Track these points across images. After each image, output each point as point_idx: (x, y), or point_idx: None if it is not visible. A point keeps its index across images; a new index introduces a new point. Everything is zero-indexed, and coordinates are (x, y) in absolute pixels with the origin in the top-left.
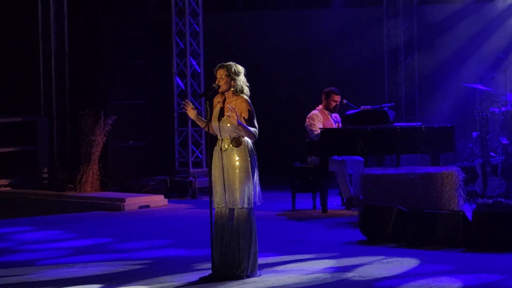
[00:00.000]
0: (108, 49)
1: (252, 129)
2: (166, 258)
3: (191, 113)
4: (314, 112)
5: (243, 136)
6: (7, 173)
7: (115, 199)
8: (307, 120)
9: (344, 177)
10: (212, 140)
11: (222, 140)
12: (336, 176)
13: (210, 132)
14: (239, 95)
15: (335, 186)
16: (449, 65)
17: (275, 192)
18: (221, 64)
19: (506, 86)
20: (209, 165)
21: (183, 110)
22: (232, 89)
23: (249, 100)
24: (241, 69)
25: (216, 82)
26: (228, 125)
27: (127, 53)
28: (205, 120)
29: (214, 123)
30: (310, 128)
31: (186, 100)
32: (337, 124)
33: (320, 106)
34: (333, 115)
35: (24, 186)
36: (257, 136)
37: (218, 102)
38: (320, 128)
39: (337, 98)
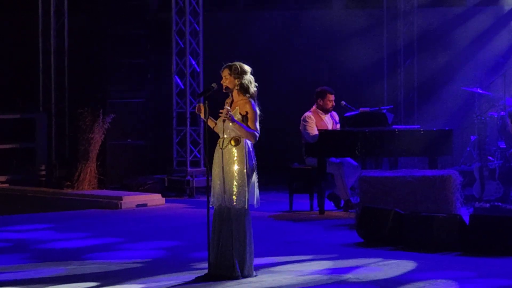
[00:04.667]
0: (108, 47)
1: (249, 129)
2: (163, 257)
3: (205, 115)
4: (306, 114)
5: (242, 137)
6: (5, 169)
7: (113, 197)
8: (301, 123)
9: (342, 179)
10: (211, 139)
11: (223, 138)
12: (334, 178)
13: (216, 131)
14: (244, 96)
15: (333, 188)
16: (448, 69)
17: (273, 192)
18: (226, 64)
19: (505, 91)
20: (207, 165)
21: (197, 112)
22: (236, 88)
23: (252, 102)
24: (247, 68)
25: (221, 82)
26: (230, 124)
27: (127, 51)
28: (215, 121)
29: (220, 123)
30: (305, 130)
31: (200, 104)
32: (333, 123)
33: (314, 107)
34: (331, 114)
35: (22, 183)
36: (256, 139)
37: (226, 102)
38: (318, 130)
39: (332, 97)
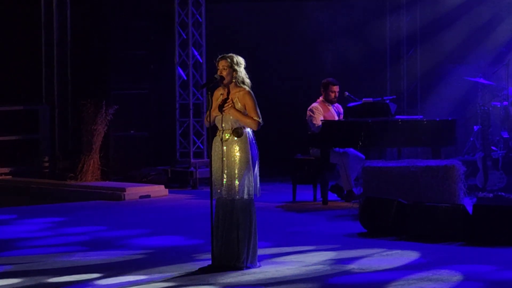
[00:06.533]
0: (111, 39)
1: (249, 120)
2: (166, 248)
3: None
4: (314, 104)
5: (244, 127)
6: (8, 161)
7: (116, 188)
8: (307, 112)
9: (346, 169)
10: (214, 131)
11: (223, 130)
12: (338, 168)
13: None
14: (242, 87)
15: (336, 179)
16: (451, 59)
17: (276, 183)
18: (222, 55)
19: (508, 80)
20: (209, 156)
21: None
22: (234, 80)
23: (251, 92)
24: (241, 60)
25: (218, 73)
26: (231, 117)
27: (130, 43)
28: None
29: (217, 114)
30: (311, 120)
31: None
32: (339, 115)
33: (320, 98)
34: (335, 105)
35: (25, 174)
36: (258, 126)
37: (221, 94)
38: (321, 120)
39: (335, 88)
